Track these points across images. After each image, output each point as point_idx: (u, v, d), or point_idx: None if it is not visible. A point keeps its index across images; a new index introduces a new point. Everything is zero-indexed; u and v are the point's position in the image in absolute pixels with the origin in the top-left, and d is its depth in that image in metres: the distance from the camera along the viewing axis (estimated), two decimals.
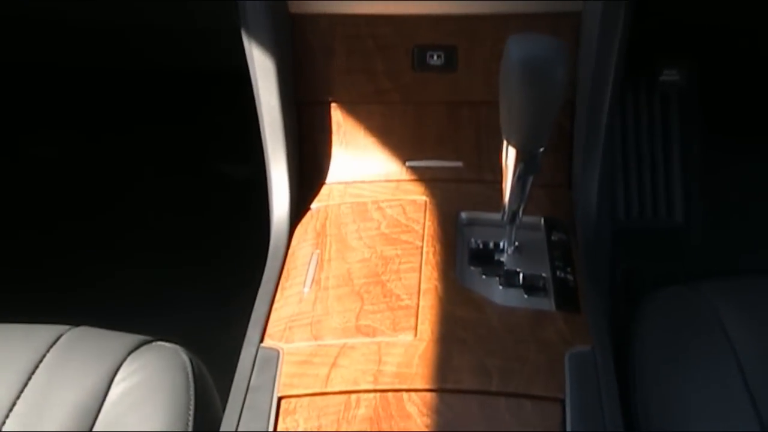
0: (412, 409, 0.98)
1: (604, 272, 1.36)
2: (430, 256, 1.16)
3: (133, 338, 1.15)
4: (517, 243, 1.18)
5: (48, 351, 1.12)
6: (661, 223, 1.81)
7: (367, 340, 1.06)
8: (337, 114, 1.33)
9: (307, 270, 1.17)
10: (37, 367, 1.10)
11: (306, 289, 1.14)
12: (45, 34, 1.59)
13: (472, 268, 1.16)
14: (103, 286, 1.79)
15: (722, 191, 1.82)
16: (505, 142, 1.03)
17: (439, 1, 1.25)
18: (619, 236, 1.72)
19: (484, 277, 1.14)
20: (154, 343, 1.15)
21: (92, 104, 2.07)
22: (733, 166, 1.84)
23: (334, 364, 1.04)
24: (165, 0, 1.38)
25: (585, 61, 1.26)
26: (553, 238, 1.20)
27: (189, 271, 1.84)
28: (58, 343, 1.13)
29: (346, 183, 1.32)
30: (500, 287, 1.13)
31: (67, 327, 1.16)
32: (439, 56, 1.29)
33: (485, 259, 1.17)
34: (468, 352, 1.04)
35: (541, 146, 1.01)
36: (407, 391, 1.00)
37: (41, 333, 1.14)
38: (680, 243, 1.78)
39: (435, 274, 1.13)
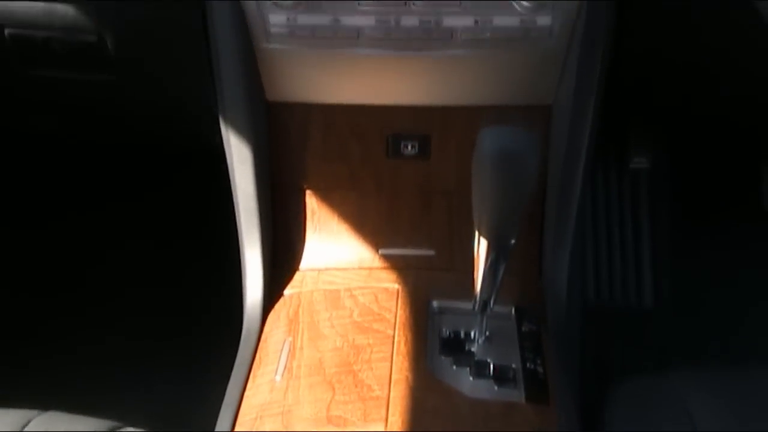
0: None
1: (574, 357, 1.38)
2: (402, 345, 1.17)
3: (101, 424, 1.14)
4: (487, 333, 1.19)
5: None
6: (630, 306, 1.83)
7: (338, 431, 1.06)
8: (312, 200, 1.34)
9: (279, 357, 1.18)
10: None
11: (278, 378, 1.15)
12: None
13: (443, 357, 1.17)
14: (73, 362, 1.77)
15: (692, 276, 1.84)
16: (476, 232, 1.04)
17: (413, 93, 1.28)
18: (588, 318, 1.73)
19: (454, 367, 1.16)
20: (122, 430, 1.15)
21: (65, 178, 2.07)
22: (703, 251, 1.87)
23: None
24: (141, 77, 1.40)
25: (556, 151, 1.29)
26: (523, 329, 1.22)
27: (160, 347, 1.83)
28: (26, 430, 1.12)
29: (320, 270, 1.34)
30: (471, 378, 1.14)
31: (35, 412, 1.15)
32: (413, 145, 1.31)
33: (456, 348, 1.19)
34: None
35: (513, 238, 1.04)
36: None
37: (8, 419, 1.13)
38: (649, 326, 1.80)
39: (406, 364, 1.14)
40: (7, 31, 1.30)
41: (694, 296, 1.82)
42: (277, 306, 1.28)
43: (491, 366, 1.15)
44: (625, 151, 1.85)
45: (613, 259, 1.85)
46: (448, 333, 1.21)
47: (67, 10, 1.26)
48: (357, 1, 1.17)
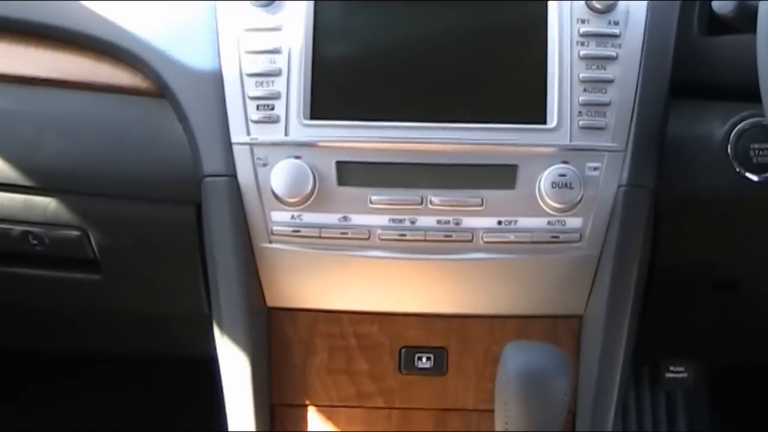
0: None
1: None
2: None
3: None
4: None
5: None
6: None
7: None
8: (315, 419, 1.24)
9: None
10: None
11: None
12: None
13: None
14: None
15: None
16: None
17: (429, 301, 1.21)
18: None
19: None
20: None
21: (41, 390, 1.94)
22: None
23: None
24: (126, 278, 1.34)
25: (588, 370, 1.20)
26: None
27: None
28: None
29: None
30: None
31: None
32: (428, 358, 1.23)
33: None
34: None
35: None
36: None
37: None
38: None
39: None
40: None
41: None
42: None
43: None
44: (661, 359, 1.72)
45: None
46: None
47: (48, 203, 1.22)
48: (368, 197, 1.13)
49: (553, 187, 1.11)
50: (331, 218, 1.14)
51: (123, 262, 1.30)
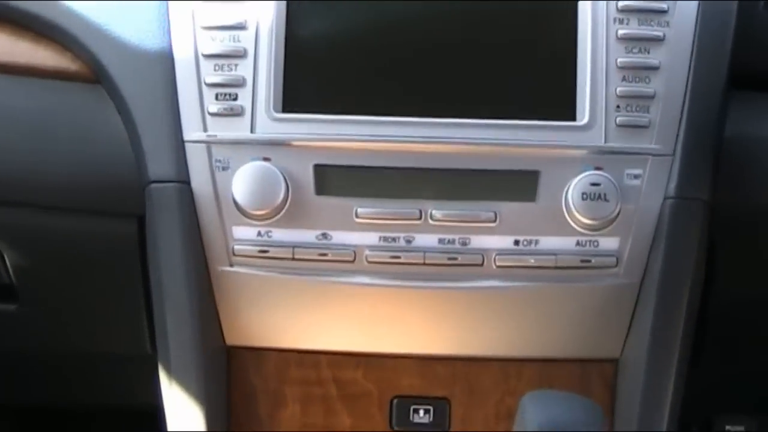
0: None
1: None
2: None
3: None
4: None
5: None
6: None
7: None
8: None
9: None
10: None
11: None
12: None
13: None
14: None
15: None
16: None
17: (427, 339, 1.11)
18: None
19: None
20: None
21: None
22: None
23: None
24: (48, 309, 1.24)
25: (624, 425, 1.10)
26: None
27: None
28: None
29: None
30: None
31: None
32: (426, 411, 1.13)
33: None
34: None
35: None
36: None
37: None
38: None
39: None
40: None
41: None
42: None
43: None
44: (714, 416, 1.61)
45: None
46: None
47: None
48: (354, 210, 1.04)
49: (583, 199, 1.02)
50: (308, 235, 1.05)
51: (46, 288, 1.22)
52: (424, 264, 1.05)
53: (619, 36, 1.03)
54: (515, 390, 1.10)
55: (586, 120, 1.02)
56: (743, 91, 1.08)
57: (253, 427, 1.13)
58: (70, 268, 1.18)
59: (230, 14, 1.04)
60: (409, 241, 1.04)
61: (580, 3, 1.03)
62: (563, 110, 1.03)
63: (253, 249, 1.05)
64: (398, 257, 1.04)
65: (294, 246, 1.04)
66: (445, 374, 1.13)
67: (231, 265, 1.06)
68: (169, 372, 1.09)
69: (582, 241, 1.04)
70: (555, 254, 1.04)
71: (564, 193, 1.02)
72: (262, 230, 1.04)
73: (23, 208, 1.13)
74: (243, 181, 1.02)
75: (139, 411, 1.29)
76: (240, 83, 1.03)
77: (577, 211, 1.01)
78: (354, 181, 1.04)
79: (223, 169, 1.03)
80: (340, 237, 1.04)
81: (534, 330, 1.10)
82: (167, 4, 1.06)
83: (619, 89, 1.02)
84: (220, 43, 1.04)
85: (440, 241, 1.04)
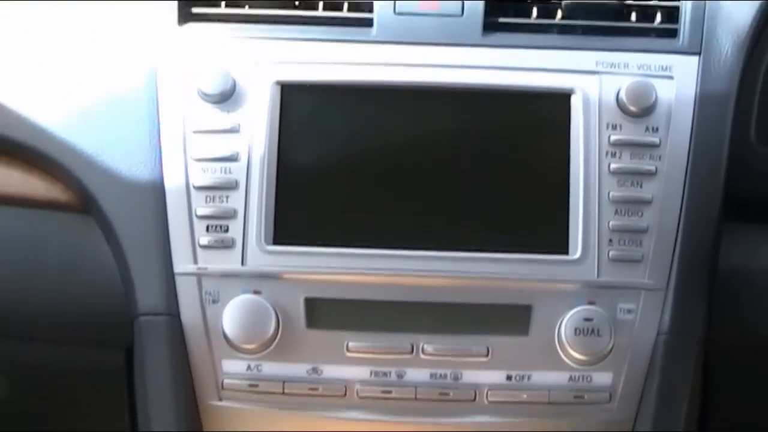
0: None
1: None
2: None
3: None
4: None
5: None
6: None
7: None
8: None
9: None
10: None
11: None
12: None
13: None
14: None
15: None
16: None
17: None
18: None
19: None
20: None
21: None
22: None
23: None
24: None
25: None
26: None
27: None
28: None
29: None
30: None
31: None
32: None
33: None
34: None
35: None
36: None
37: None
38: None
39: None
40: None
41: None
42: None
43: None
44: None
45: None
46: None
47: None
48: (345, 344, 1.01)
49: (576, 334, 1.00)
50: (298, 369, 1.02)
51: (28, 418, 1.18)
52: (416, 399, 1.02)
53: (611, 170, 1.01)
54: None
55: (578, 254, 1.00)
56: (735, 223, 1.06)
57: None
58: (53, 401, 1.15)
59: (222, 146, 1.02)
60: (400, 376, 1.02)
61: (572, 136, 1.01)
62: (556, 243, 1.01)
63: (242, 383, 1.02)
64: (389, 392, 1.02)
65: (284, 380, 1.02)
66: None
67: (220, 399, 1.03)
68: None
69: (575, 376, 1.02)
70: (548, 389, 1.02)
71: (557, 327, 1.00)
72: (252, 364, 1.02)
73: (6, 339, 1.11)
74: (233, 315, 1.00)
75: None
76: (231, 215, 1.01)
77: (570, 347, 0.99)
78: (345, 315, 1.02)
79: (213, 302, 1.01)
80: (330, 371, 1.02)
81: None
82: (158, 132, 1.04)
83: (611, 223, 1.01)
84: (211, 174, 1.02)
85: (432, 375, 1.02)
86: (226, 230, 1.02)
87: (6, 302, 1.08)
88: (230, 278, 1.01)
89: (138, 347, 1.04)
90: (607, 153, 1.01)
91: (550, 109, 1.02)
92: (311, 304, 1.01)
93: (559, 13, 1.06)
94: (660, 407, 1.02)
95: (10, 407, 1.14)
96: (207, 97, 1.01)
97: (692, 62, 1.04)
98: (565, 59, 1.03)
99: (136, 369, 1.05)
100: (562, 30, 1.06)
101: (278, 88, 1.01)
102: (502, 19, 1.05)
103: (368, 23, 1.05)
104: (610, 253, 1.00)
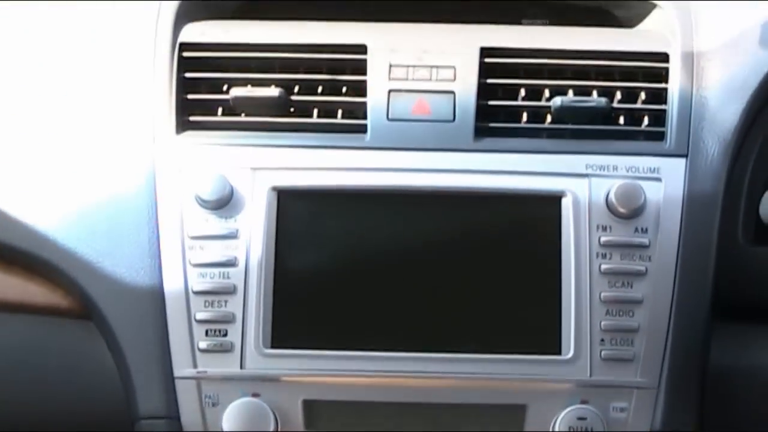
0: None
1: None
2: None
3: None
4: None
5: None
6: None
7: None
8: None
9: None
10: None
11: None
12: None
13: None
14: None
15: None
16: None
17: None
18: None
19: None
20: None
21: None
22: None
23: None
24: None
25: None
26: None
27: None
28: None
29: None
30: None
31: None
32: None
33: None
34: None
35: None
36: None
37: None
38: None
39: None
40: None
41: None
42: None
43: None
44: None
45: None
46: None
47: None
48: None
49: None
50: None
51: None
52: None
53: (602, 270, 1.01)
54: None
55: (571, 354, 1.00)
56: (724, 322, 1.06)
57: None
58: None
59: (220, 251, 1.02)
60: None
61: (563, 238, 1.01)
62: (549, 343, 1.01)
63: None
64: None
65: None
66: None
67: None
68: None
69: None
70: None
71: (551, 426, 1.00)
72: None
73: None
74: (233, 418, 1.00)
75: None
76: (230, 319, 1.01)
77: None
78: (343, 416, 1.02)
79: (213, 405, 1.01)
80: None
81: None
82: (158, 239, 1.03)
83: (603, 323, 1.00)
84: (210, 279, 1.01)
85: None
86: (225, 334, 1.01)
87: (7, 406, 1.07)
88: (229, 381, 1.01)
89: None
90: (597, 254, 1.01)
91: (542, 211, 1.02)
92: (309, 405, 1.01)
93: (549, 117, 1.06)
94: None
95: None
96: (205, 204, 1.01)
97: (679, 164, 1.04)
98: (556, 162, 1.03)
99: None
100: (552, 134, 1.06)
101: (275, 194, 1.01)
102: (492, 124, 1.05)
103: (362, 129, 1.05)
104: (603, 353, 1.00)
